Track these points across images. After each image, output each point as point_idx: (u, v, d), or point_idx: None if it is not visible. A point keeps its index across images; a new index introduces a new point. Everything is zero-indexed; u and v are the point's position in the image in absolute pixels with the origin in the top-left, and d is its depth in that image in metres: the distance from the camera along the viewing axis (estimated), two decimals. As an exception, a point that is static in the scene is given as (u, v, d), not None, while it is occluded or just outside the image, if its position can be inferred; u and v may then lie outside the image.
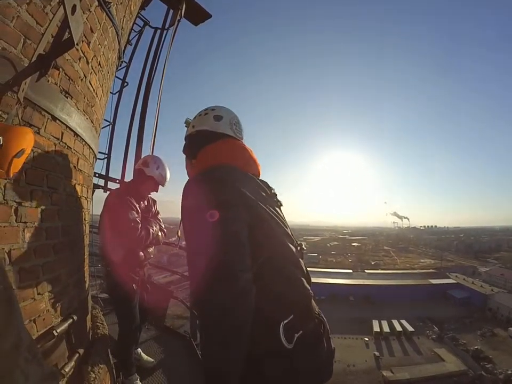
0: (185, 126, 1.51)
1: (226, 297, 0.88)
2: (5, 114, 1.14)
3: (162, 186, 2.80)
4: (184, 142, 1.48)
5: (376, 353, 32.37)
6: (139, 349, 3.05)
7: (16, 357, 0.38)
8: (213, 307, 0.88)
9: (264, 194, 1.21)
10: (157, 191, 2.79)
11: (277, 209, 1.25)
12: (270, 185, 1.35)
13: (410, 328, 37.48)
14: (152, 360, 3.03)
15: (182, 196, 1.11)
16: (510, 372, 26.76)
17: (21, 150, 0.99)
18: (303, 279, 1.17)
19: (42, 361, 0.48)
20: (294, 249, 1.19)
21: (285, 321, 1.00)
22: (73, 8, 0.93)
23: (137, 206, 2.60)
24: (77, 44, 1.69)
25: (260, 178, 1.35)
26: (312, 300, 1.20)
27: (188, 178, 1.34)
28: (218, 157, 1.25)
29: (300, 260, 1.22)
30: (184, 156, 1.48)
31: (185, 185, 1.15)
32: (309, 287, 1.20)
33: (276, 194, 1.35)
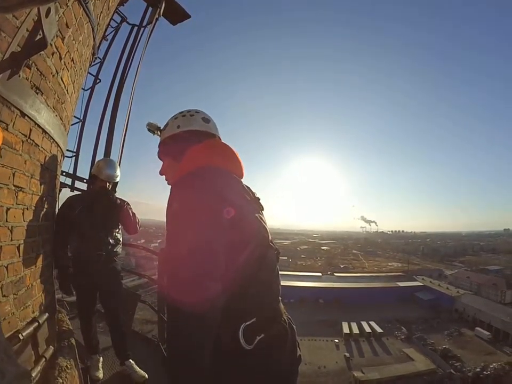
0: (150, 130, 1.48)
1: (192, 308, 0.88)
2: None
3: (105, 179, 2.88)
4: (163, 145, 1.39)
5: (346, 354, 33.03)
6: (131, 360, 2.96)
7: None
8: (180, 315, 0.91)
9: (248, 198, 1.22)
10: (104, 186, 2.89)
11: (260, 213, 1.27)
12: (252, 190, 1.35)
13: (379, 330, 38.58)
14: (144, 375, 2.90)
15: (170, 196, 1.10)
16: (478, 370, 28.08)
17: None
18: (276, 284, 1.21)
19: (16, 361, 0.48)
20: (272, 254, 1.20)
21: (247, 323, 1.03)
22: (48, 11, 0.92)
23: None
24: (50, 44, 1.64)
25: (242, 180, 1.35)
26: (280, 306, 1.22)
27: (169, 181, 1.33)
28: (209, 157, 1.23)
29: (277, 265, 1.24)
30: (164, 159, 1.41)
31: (174, 186, 1.14)
32: (279, 293, 1.23)
33: (259, 199, 1.35)
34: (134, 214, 2.99)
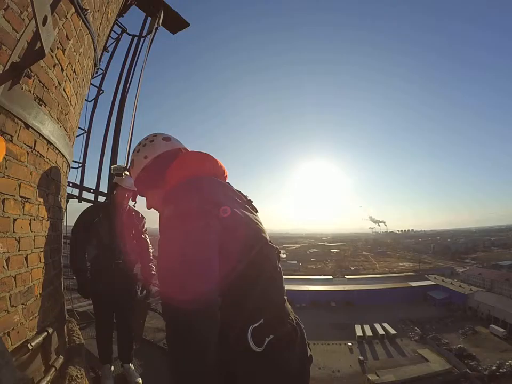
0: (118, 174, 1.46)
1: (190, 313, 0.88)
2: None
3: (127, 187, 2.87)
4: (139, 181, 1.40)
5: (360, 357, 32.56)
6: (131, 364, 3.03)
7: None
8: (179, 321, 0.90)
9: (240, 201, 1.22)
10: (127, 196, 2.92)
11: (254, 215, 1.27)
12: (244, 193, 1.36)
13: (392, 331, 38.00)
14: (139, 380, 2.94)
15: (160, 212, 1.13)
16: (494, 368, 27.48)
17: (-7, 159, 0.97)
18: (279, 283, 1.20)
19: (14, 367, 0.47)
20: (272, 255, 1.20)
21: (254, 325, 1.02)
22: (44, 19, 0.93)
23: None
24: (51, 51, 1.66)
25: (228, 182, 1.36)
26: (287, 305, 1.21)
27: (158, 211, 1.30)
28: (190, 169, 1.23)
29: (278, 264, 1.24)
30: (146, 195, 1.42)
31: (164, 196, 1.15)
32: (284, 292, 1.22)
33: (252, 201, 1.35)
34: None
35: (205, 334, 0.90)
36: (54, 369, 1.62)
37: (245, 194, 1.35)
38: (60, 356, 1.79)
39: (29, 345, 1.38)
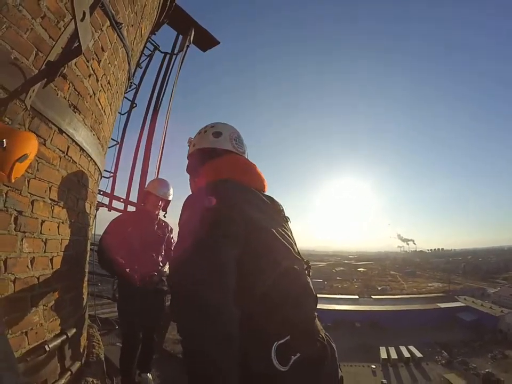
0: (188, 145, 1.52)
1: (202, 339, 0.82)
2: (11, 120, 1.16)
3: (160, 196, 2.89)
4: (188, 162, 1.49)
5: (383, 380, 30.56)
6: (149, 374, 2.98)
7: None
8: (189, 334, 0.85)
9: (267, 209, 1.17)
10: (159, 205, 2.93)
11: (284, 225, 1.22)
12: (277, 200, 1.31)
13: (418, 354, 35.56)
14: None
15: (181, 209, 1.10)
16: None
17: (24, 155, 0.99)
18: (309, 299, 1.12)
19: (18, 372, 0.45)
20: (300, 266, 1.13)
21: (280, 342, 0.93)
22: (83, 15, 0.96)
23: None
24: (87, 61, 1.74)
25: (265, 193, 1.31)
26: (316, 322, 1.12)
27: None
28: (219, 172, 1.22)
29: (308, 278, 1.17)
30: (189, 176, 1.48)
31: (185, 199, 1.13)
32: (315, 308, 1.14)
33: (283, 210, 1.31)
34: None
35: (216, 302, 0.85)
36: (69, 372, 1.61)
37: (278, 203, 1.31)
38: (77, 360, 1.79)
39: (46, 346, 1.39)
